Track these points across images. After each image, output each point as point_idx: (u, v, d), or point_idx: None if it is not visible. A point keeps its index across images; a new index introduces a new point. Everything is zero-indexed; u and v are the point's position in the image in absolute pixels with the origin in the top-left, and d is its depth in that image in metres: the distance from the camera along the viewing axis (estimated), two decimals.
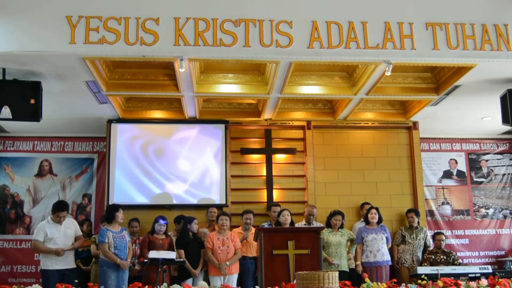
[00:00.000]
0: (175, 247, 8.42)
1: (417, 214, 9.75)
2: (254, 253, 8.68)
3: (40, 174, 10.70)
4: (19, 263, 10.28)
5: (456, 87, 8.55)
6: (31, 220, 10.45)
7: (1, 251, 10.32)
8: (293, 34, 7.29)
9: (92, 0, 7.15)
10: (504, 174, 11.57)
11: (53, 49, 7.03)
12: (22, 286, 6.19)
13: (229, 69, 8.62)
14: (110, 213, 8.02)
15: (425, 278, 6.50)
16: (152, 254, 7.62)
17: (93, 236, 8.56)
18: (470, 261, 10.97)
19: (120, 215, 7.94)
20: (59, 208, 7.81)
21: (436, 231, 10.23)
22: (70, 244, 7.85)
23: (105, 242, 7.69)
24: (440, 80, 8.77)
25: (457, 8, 7.54)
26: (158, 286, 6.04)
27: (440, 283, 6.31)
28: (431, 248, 9.58)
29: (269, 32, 7.26)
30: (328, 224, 8.79)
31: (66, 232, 7.87)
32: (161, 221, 8.44)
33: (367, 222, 8.92)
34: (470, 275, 8.07)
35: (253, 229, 8.88)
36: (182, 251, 8.26)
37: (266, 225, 9.06)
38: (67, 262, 7.84)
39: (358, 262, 8.65)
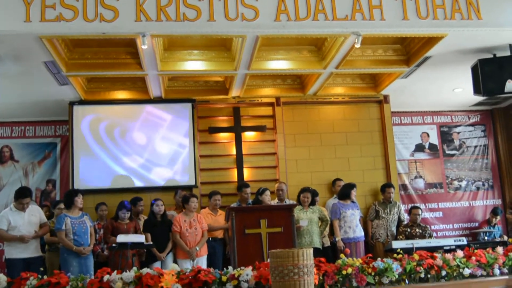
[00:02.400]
0: (141, 230, 8.26)
1: (394, 189, 9.70)
2: (221, 233, 8.71)
3: (0, 160, 10.38)
4: None
5: (427, 58, 8.46)
6: None
7: None
8: (259, 7, 7.12)
9: None
10: (476, 146, 11.59)
11: (7, 28, 6.74)
12: None
13: (194, 46, 8.37)
14: (68, 198, 7.73)
15: (401, 252, 6.39)
16: (121, 238, 7.42)
17: (51, 220, 8.27)
18: (444, 234, 10.99)
19: (79, 200, 7.68)
20: (22, 195, 7.60)
21: (412, 205, 10.21)
22: (33, 231, 7.65)
23: (62, 229, 7.45)
24: (410, 52, 8.65)
25: None
26: (127, 271, 5.80)
27: (416, 256, 6.22)
28: (406, 222, 9.53)
29: (234, 5, 7.09)
30: (299, 202, 8.63)
31: (31, 219, 7.69)
32: (124, 209, 8.21)
33: (342, 198, 8.78)
34: (445, 247, 8.02)
35: (219, 211, 8.82)
36: (149, 235, 8.08)
37: (235, 205, 8.87)
38: (32, 251, 7.66)
39: (338, 238, 8.53)
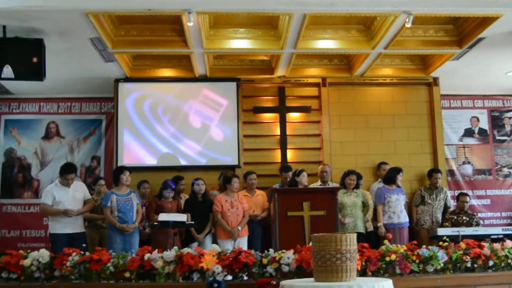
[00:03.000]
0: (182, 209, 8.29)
1: (441, 174, 9.45)
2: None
3: (47, 136, 10.47)
4: (27, 227, 10.13)
5: (480, 39, 8.15)
6: (39, 184, 10.27)
7: (10, 215, 10.21)
8: None
9: None
10: None
11: (53, 3, 6.74)
12: (29, 251, 6.00)
13: (240, 23, 8.26)
14: (114, 175, 7.97)
15: (447, 240, 6.20)
16: (162, 216, 7.43)
17: (92, 197, 8.33)
18: (491, 222, 10.63)
19: (124, 177, 7.84)
20: (67, 170, 7.67)
21: (460, 191, 9.89)
22: (77, 207, 7.69)
23: (107, 206, 7.65)
24: (463, 33, 8.35)
25: None
26: (168, 250, 5.80)
27: (462, 245, 6.02)
28: (452, 209, 9.30)
29: None
30: (343, 185, 8.48)
31: (75, 195, 7.74)
32: (169, 189, 8.20)
33: (388, 182, 8.60)
34: (492, 236, 7.82)
35: (257, 191, 8.73)
36: (189, 214, 8.05)
37: (277, 186, 8.78)
38: (76, 226, 7.71)
39: (381, 224, 8.38)
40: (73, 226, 7.64)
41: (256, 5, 6.91)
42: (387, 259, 5.61)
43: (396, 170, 8.64)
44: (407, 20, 7.16)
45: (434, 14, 7.32)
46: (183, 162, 9.57)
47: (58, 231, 7.55)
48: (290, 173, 8.76)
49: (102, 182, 8.75)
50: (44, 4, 6.71)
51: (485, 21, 7.54)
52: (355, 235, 4.70)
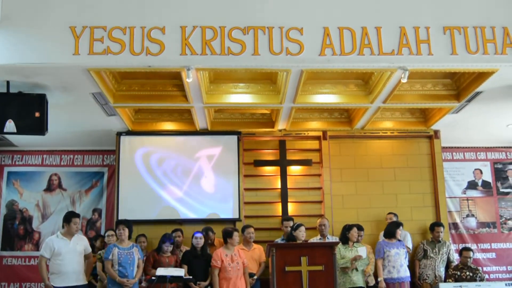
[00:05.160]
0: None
1: (444, 228, 9.37)
2: (254, 270, 8.51)
3: (49, 188, 10.56)
4: (28, 280, 10.12)
5: (478, 93, 8.19)
6: (40, 236, 10.31)
7: (10, 268, 10.21)
8: (304, 41, 7.03)
9: (96, 9, 6.96)
10: None
11: (57, 60, 6.87)
12: None
13: (239, 79, 8.37)
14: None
15: None
16: (160, 271, 7.40)
17: (99, 252, 8.33)
18: (497, 276, 10.49)
19: (118, 232, 7.82)
20: (74, 215, 7.71)
21: (463, 246, 9.79)
22: (77, 260, 7.62)
23: (108, 259, 7.62)
24: (460, 87, 8.41)
25: (476, 10, 7.19)
26: None
27: None
28: (455, 263, 9.17)
29: (278, 40, 7.02)
30: (345, 238, 8.36)
31: (76, 248, 7.68)
32: (167, 242, 8.19)
33: (388, 236, 8.52)
34: None
35: (254, 245, 8.73)
36: (186, 266, 7.99)
37: (279, 240, 8.73)
38: (78, 279, 7.62)
39: (381, 278, 8.25)
40: (72, 280, 7.52)
41: (253, 62, 6.98)
42: None
43: (396, 224, 8.58)
44: (402, 75, 7.22)
45: (430, 69, 7.40)
46: (183, 216, 9.54)
47: (58, 284, 7.46)
48: (291, 222, 8.73)
49: (111, 233, 8.69)
50: (47, 61, 6.83)
51: (481, 76, 7.60)
52: None
